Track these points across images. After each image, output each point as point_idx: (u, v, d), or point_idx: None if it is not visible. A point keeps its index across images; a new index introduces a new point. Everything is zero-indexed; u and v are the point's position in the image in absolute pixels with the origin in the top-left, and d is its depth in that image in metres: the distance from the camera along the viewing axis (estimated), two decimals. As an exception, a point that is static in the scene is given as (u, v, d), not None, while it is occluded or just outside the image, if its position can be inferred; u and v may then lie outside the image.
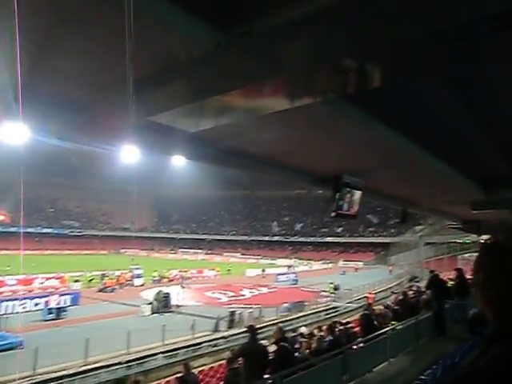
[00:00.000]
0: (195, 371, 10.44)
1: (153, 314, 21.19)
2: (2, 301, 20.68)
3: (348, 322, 12.21)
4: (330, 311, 24.09)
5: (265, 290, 31.96)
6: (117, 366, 13.31)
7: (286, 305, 22.86)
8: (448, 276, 15.03)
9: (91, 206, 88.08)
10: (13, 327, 15.86)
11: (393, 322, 9.46)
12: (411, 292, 11.73)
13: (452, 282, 12.13)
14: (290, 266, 46.68)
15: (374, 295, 25.96)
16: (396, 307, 11.33)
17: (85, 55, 3.86)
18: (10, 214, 66.77)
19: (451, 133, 6.13)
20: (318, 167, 8.08)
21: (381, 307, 11.85)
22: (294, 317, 21.25)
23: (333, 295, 27.43)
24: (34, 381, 11.29)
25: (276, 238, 76.94)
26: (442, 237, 38.67)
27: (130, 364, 13.53)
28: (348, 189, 8.21)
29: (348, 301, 26.28)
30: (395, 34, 2.86)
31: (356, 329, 10.20)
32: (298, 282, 36.15)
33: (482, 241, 21.10)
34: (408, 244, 44.83)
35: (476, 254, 1.14)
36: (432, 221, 41.22)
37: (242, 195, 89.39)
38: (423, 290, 12.73)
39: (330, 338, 7.91)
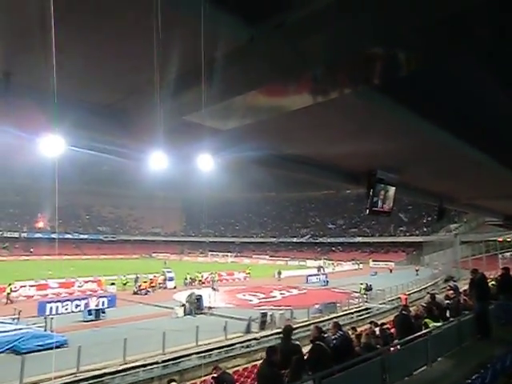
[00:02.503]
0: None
1: (186, 315, 21.47)
2: (47, 302, 21.61)
3: (383, 323, 11.94)
4: (363, 312, 23.68)
5: (295, 291, 31.78)
6: (153, 366, 13.57)
7: (317, 306, 22.63)
8: (489, 276, 14.40)
9: (123, 212, 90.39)
10: (57, 327, 16.58)
11: (427, 320, 9.04)
12: (451, 292, 11.24)
13: (493, 282, 11.56)
14: (320, 267, 46.23)
15: (407, 296, 25.34)
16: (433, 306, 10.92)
17: (117, 58, 3.91)
18: (50, 221, 69.51)
19: (493, 120, 5.84)
20: (351, 164, 7.94)
21: (416, 308, 11.48)
22: (325, 318, 21.01)
23: (365, 296, 26.96)
24: (78, 378, 11.69)
25: (304, 240, 76.41)
26: (479, 235, 37.32)
27: (166, 364, 13.74)
28: (382, 185, 8.06)
29: (381, 302, 25.76)
30: (427, 13, 2.75)
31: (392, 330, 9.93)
32: (329, 283, 35.77)
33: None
34: (442, 243, 43.53)
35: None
36: (468, 218, 39.89)
37: (269, 197, 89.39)
38: (463, 290, 12.21)
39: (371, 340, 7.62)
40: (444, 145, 6.26)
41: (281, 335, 6.26)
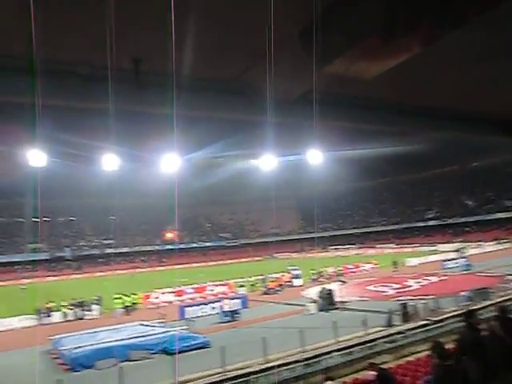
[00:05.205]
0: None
1: (319, 311, 20.90)
2: (187, 306, 23.09)
3: None
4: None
5: (433, 278, 28.90)
6: (295, 365, 13.18)
7: (465, 293, 20.01)
8: None
9: (241, 217, 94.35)
10: (198, 329, 17.44)
11: None
12: None
13: None
14: (458, 250, 41.53)
15: None
16: None
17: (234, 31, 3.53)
18: (177, 232, 76.09)
19: None
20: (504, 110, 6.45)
21: None
22: (479, 306, 18.37)
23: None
24: (225, 377, 11.91)
25: (432, 223, 70.10)
26: None
27: (308, 362, 13.24)
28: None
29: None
30: None
31: None
32: (472, 266, 31.79)
33: None
34: None
35: None
36: None
37: (384, 183, 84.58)
38: None
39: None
40: None
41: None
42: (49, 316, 24.39)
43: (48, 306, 24.97)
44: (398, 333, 15.80)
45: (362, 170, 67.99)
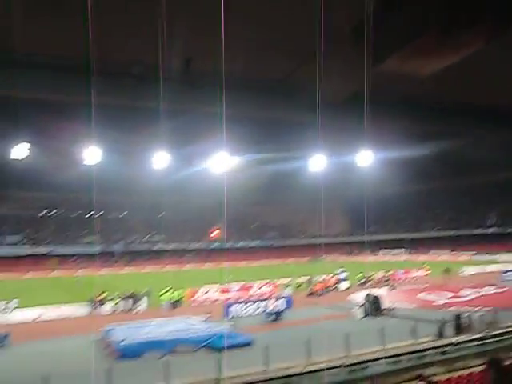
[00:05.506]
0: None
1: (365, 316, 20.32)
2: (232, 304, 23.25)
3: None
4: None
5: (492, 289, 27.15)
6: (339, 369, 12.87)
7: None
8: None
9: (288, 218, 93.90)
10: (242, 327, 17.62)
11: None
12: None
13: None
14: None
15: None
16: None
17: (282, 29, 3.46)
18: (225, 231, 77.28)
19: None
20: None
21: None
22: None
23: None
24: (268, 376, 11.87)
25: (492, 230, 65.86)
26: None
27: (352, 368, 12.89)
28: None
29: None
30: None
31: None
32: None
33: None
34: None
35: None
36: None
37: (439, 187, 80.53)
38: None
39: None
40: None
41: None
42: (101, 306, 25.67)
43: (100, 297, 26.27)
44: (451, 344, 14.97)
45: (416, 172, 65.33)
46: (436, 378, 11.56)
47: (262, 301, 23.88)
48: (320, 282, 31.09)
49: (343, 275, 32.82)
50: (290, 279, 34.99)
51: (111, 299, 26.49)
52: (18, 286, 37.72)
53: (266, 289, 30.92)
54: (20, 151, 30.14)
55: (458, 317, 16.63)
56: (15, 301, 25.38)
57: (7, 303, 25.13)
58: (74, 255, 66.52)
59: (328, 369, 12.46)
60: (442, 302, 23.48)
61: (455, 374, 11.67)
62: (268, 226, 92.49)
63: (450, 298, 24.52)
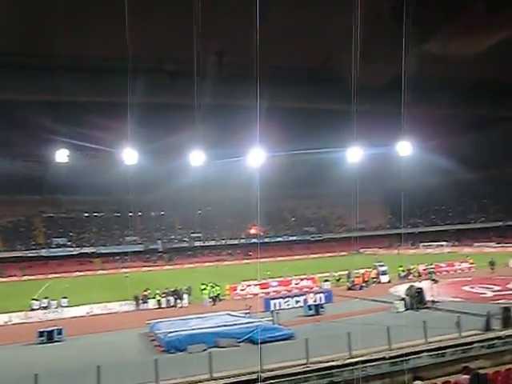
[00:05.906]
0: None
1: (407, 310, 19.98)
2: (271, 299, 23.54)
3: None
4: None
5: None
6: (380, 362, 12.82)
7: None
8: None
9: (326, 211, 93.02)
10: (282, 321, 17.80)
11: None
12: None
13: None
14: None
15: None
16: None
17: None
18: (262, 226, 77.72)
19: None
20: None
21: None
22: None
23: None
24: (309, 368, 12.04)
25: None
26: None
27: (394, 360, 12.80)
28: None
29: None
30: None
31: None
32: None
33: None
34: None
35: None
36: None
37: (487, 176, 76.85)
38: None
39: None
40: None
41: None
42: (145, 302, 26.74)
43: (144, 293, 27.32)
44: (498, 338, 14.50)
45: (461, 161, 62.64)
46: (483, 371, 11.34)
47: (301, 295, 23.98)
48: (358, 276, 30.75)
49: (383, 268, 32.33)
50: (329, 273, 34.86)
51: (154, 296, 27.50)
52: (66, 284, 39.80)
53: (305, 283, 30.96)
54: (63, 155, 31.57)
55: (506, 310, 16.03)
56: (65, 299, 26.97)
57: (59, 301, 26.77)
58: (117, 254, 69.12)
59: (369, 361, 12.47)
60: (489, 295, 22.64)
61: (503, 368, 11.36)
62: (306, 220, 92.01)
63: (498, 291, 23.58)
